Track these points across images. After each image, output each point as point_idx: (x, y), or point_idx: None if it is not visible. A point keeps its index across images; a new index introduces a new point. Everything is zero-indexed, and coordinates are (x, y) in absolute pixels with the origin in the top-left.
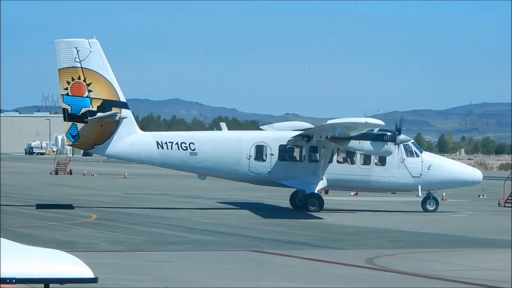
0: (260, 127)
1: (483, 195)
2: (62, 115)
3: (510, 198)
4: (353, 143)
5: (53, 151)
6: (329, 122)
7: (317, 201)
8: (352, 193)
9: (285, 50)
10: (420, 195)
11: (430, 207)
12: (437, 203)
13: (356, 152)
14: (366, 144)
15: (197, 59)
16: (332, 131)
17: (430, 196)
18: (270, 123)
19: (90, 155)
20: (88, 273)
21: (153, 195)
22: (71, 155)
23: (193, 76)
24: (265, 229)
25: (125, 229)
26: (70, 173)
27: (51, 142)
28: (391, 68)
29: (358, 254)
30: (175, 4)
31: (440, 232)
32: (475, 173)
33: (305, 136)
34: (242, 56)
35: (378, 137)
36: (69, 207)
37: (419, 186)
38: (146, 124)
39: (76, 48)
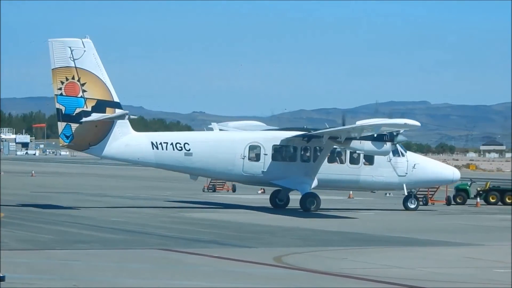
0: (211, 126)
1: (389, 193)
2: None
3: (418, 194)
4: (355, 143)
5: None
6: (361, 123)
7: (314, 201)
8: (259, 191)
9: (192, 50)
10: (406, 193)
11: (411, 205)
12: (418, 202)
13: (356, 152)
14: (367, 144)
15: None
16: (360, 132)
17: (411, 195)
18: (178, 121)
19: None
20: None
21: (61, 194)
22: None
23: None
24: (173, 228)
25: (33, 227)
26: None
27: None
28: (299, 67)
29: (266, 252)
30: None
31: (348, 230)
32: (454, 172)
33: (307, 136)
34: (149, 54)
35: (378, 137)
36: None
37: (404, 185)
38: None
39: (70, 47)
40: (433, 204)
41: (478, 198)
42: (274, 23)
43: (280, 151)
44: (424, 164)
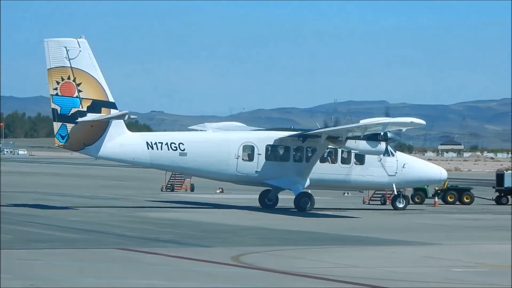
0: (191, 127)
1: (348, 193)
2: None
3: (374, 196)
4: (350, 143)
5: None
6: (366, 122)
7: (309, 200)
8: (217, 191)
9: (151, 49)
10: (396, 193)
11: (400, 205)
12: (407, 201)
13: (351, 151)
14: (362, 144)
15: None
16: (363, 131)
17: (400, 194)
18: (137, 121)
19: None
20: None
21: (19, 193)
22: None
23: None
24: (132, 227)
25: None
26: None
27: None
28: (257, 66)
29: (224, 251)
30: None
31: (307, 229)
32: (442, 172)
33: (302, 136)
34: (106, 53)
35: (372, 137)
36: None
37: (394, 184)
38: (11, 121)
39: (65, 47)
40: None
41: (436, 198)
42: (232, 22)
43: (274, 151)
44: (413, 163)
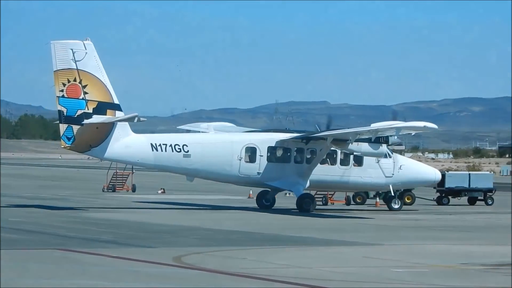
0: (180, 127)
1: (289, 193)
2: None
3: (315, 196)
4: (353, 145)
5: None
6: (378, 125)
7: (310, 201)
8: (159, 191)
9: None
10: (393, 194)
11: (395, 206)
12: (402, 202)
13: (353, 153)
14: (364, 146)
15: (4, 55)
16: (374, 134)
17: (395, 195)
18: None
19: None
20: None
21: None
22: None
23: None
24: (73, 227)
25: None
26: None
27: None
28: (198, 66)
29: (166, 252)
30: None
31: (248, 230)
32: (436, 173)
33: (306, 138)
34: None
35: (376, 139)
36: None
37: (391, 186)
38: None
39: (72, 49)
40: (333, 204)
41: (378, 198)
42: (171, 22)
43: (276, 153)
44: (409, 165)
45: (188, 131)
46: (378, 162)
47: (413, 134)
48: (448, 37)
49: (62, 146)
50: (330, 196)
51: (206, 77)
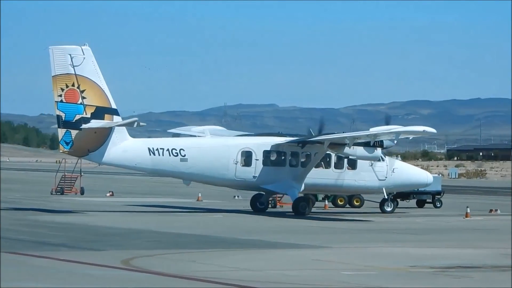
0: (171, 130)
1: (238, 196)
2: None
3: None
4: (348, 149)
5: None
6: (377, 130)
7: (306, 205)
8: (107, 194)
9: (35, 50)
10: (386, 197)
11: (388, 208)
12: (394, 204)
13: (349, 157)
14: (359, 150)
15: None
16: (373, 139)
17: (388, 198)
18: (26, 123)
19: None
20: None
21: None
22: None
23: None
24: (21, 230)
25: None
26: None
27: None
28: (147, 70)
29: (115, 255)
30: None
31: (198, 232)
32: (428, 176)
33: (302, 142)
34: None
35: (368, 143)
36: None
37: (384, 189)
38: None
39: (70, 55)
40: (282, 206)
41: (326, 201)
42: (118, 21)
43: (271, 157)
44: (402, 168)
45: (178, 135)
46: (371, 165)
47: (410, 138)
48: (378, 39)
49: (61, 151)
50: (279, 199)
51: (154, 80)
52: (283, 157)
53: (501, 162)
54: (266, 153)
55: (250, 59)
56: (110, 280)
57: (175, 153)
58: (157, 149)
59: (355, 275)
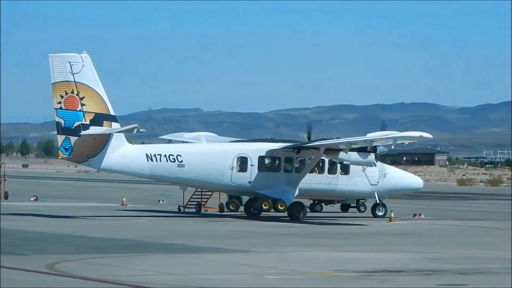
0: (163, 137)
1: (162, 201)
2: None
3: (190, 202)
4: (342, 154)
5: None
6: (374, 135)
7: (301, 209)
8: (31, 198)
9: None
10: (378, 201)
11: (379, 213)
12: (386, 209)
13: (343, 162)
14: (354, 155)
15: None
16: (370, 144)
17: (380, 203)
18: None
19: None
20: None
21: None
22: None
23: None
24: None
25: None
26: None
27: None
28: None
29: (39, 259)
30: None
31: (121, 237)
32: (419, 181)
33: (297, 147)
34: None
35: (362, 148)
36: None
37: (376, 194)
38: None
39: (69, 62)
40: (206, 211)
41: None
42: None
43: (266, 162)
44: (393, 173)
45: (170, 141)
46: (364, 170)
47: (406, 143)
48: (304, 43)
49: (60, 157)
50: (204, 203)
51: None
52: (277, 163)
53: (425, 166)
54: (261, 159)
55: (174, 63)
56: (35, 285)
57: (173, 159)
58: (154, 155)
59: (279, 279)
